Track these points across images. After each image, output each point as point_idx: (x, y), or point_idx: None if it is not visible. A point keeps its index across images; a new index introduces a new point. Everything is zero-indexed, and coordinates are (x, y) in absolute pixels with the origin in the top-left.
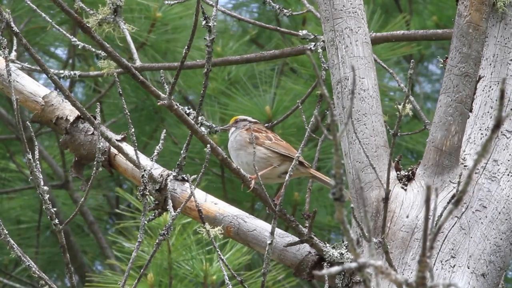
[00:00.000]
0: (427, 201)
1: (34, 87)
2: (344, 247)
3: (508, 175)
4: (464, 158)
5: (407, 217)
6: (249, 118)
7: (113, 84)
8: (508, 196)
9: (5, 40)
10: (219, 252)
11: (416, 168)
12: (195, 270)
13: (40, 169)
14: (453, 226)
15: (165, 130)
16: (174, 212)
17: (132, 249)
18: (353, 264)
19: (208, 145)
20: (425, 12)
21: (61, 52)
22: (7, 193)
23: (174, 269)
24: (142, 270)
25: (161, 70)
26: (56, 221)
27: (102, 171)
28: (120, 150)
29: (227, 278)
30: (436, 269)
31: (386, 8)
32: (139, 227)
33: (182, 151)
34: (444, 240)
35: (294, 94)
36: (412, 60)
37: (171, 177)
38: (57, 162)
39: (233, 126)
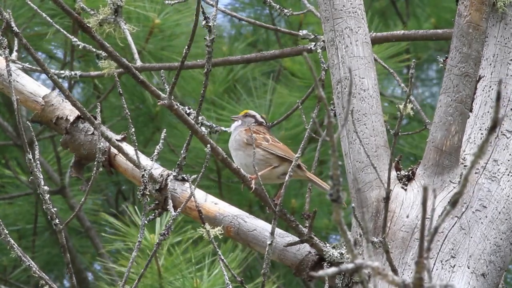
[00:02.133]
0: (424, 203)
1: (34, 87)
2: (344, 247)
3: (508, 175)
4: (464, 158)
5: (407, 217)
6: (257, 117)
7: (113, 87)
8: (508, 196)
9: (6, 40)
10: (219, 253)
11: (416, 168)
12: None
13: (40, 169)
14: (453, 226)
15: (165, 130)
16: (175, 212)
17: (122, 271)
18: (350, 265)
19: (208, 145)
20: (423, 14)
21: (61, 54)
22: (3, 199)
23: None
24: (140, 274)
25: (162, 70)
26: (57, 221)
27: (100, 174)
28: (120, 150)
29: (227, 278)
30: (436, 269)
31: (383, 11)
32: (129, 248)
33: (182, 151)
34: (444, 240)
35: (289, 102)
36: (413, 60)
37: (171, 177)
38: (52, 167)
39: (241, 119)
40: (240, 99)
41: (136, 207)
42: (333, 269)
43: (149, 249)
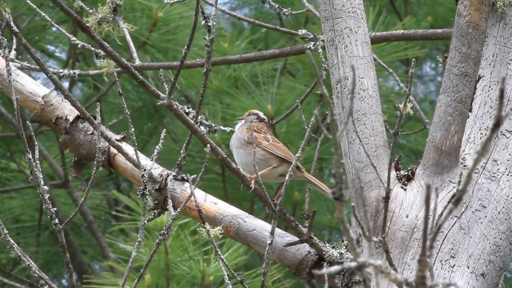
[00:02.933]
0: (427, 200)
1: (34, 87)
2: (344, 247)
3: (507, 174)
4: (464, 158)
5: (407, 217)
6: (260, 114)
7: (113, 83)
8: (507, 196)
9: (5, 39)
10: (219, 252)
11: (416, 168)
12: (193, 271)
13: (40, 169)
14: (452, 226)
15: (164, 130)
16: (174, 212)
17: (129, 250)
18: (353, 264)
19: (208, 145)
20: (420, 13)
21: (60, 53)
22: (7, 192)
23: (171, 270)
24: (142, 270)
25: (161, 70)
26: (56, 220)
27: (101, 171)
28: (120, 150)
29: (227, 278)
30: (436, 269)
31: (381, 10)
32: (136, 228)
33: (181, 151)
34: (443, 240)
35: (295, 93)
36: (413, 59)
37: (170, 177)
38: (57, 162)
39: (244, 119)
40: (245, 92)
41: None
42: (336, 268)
43: (157, 230)
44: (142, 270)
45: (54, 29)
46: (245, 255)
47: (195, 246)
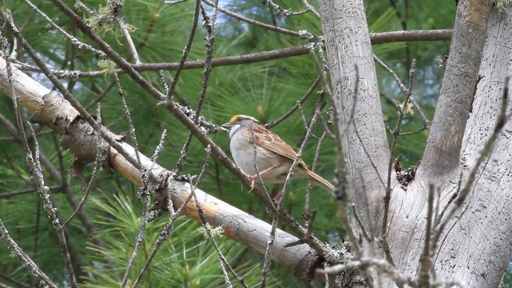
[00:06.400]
0: (430, 199)
1: (34, 87)
2: (344, 247)
3: (508, 175)
4: (464, 158)
5: (407, 217)
6: (252, 118)
7: (112, 84)
8: (508, 196)
9: (6, 39)
10: (219, 252)
11: (416, 168)
12: (176, 275)
13: (40, 169)
14: (453, 226)
15: (165, 130)
16: (175, 212)
17: (111, 257)
18: (356, 262)
19: (208, 145)
20: (421, 15)
21: (60, 54)
22: (5, 197)
23: (153, 274)
24: (141, 271)
25: (161, 70)
26: (57, 220)
27: (100, 172)
28: (120, 150)
29: (227, 278)
30: (436, 269)
31: (383, 11)
32: (117, 234)
33: (181, 151)
34: (444, 240)
35: (286, 93)
36: (414, 60)
37: (171, 177)
38: (55, 166)
39: (236, 124)
40: (235, 95)
41: (127, 196)
42: (340, 266)
43: (137, 233)
44: (142, 270)
45: (53, 32)
46: (232, 256)
47: (177, 248)
